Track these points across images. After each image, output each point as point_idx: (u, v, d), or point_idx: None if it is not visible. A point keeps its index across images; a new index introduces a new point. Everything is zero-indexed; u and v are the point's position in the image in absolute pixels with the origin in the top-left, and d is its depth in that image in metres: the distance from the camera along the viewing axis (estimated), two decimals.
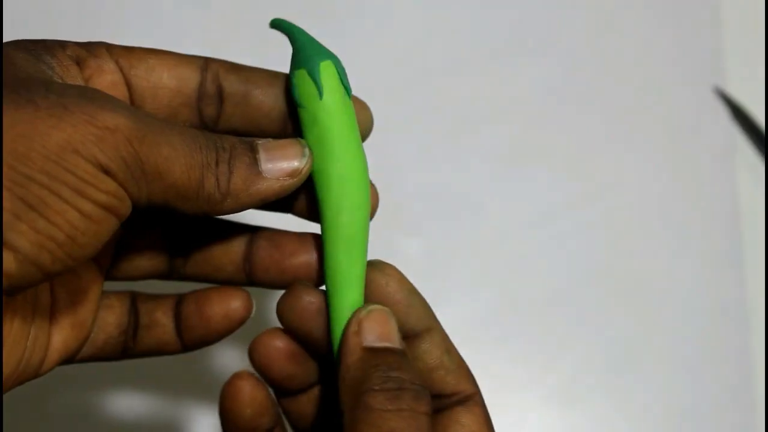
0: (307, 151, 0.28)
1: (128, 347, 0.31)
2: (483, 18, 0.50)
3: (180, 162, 0.25)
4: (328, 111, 0.28)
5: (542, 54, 0.50)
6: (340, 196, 0.28)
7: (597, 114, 0.49)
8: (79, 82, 0.26)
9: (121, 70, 0.27)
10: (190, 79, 0.28)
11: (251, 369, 0.31)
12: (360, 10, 0.50)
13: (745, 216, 0.48)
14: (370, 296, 0.29)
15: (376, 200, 0.31)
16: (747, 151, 0.49)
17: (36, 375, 0.27)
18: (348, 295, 0.28)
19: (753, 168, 0.49)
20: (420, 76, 0.49)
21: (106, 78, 0.27)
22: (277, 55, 0.31)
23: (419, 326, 0.28)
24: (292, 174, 0.27)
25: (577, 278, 0.47)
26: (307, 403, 0.31)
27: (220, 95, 0.29)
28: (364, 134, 0.30)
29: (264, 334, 0.30)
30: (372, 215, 0.30)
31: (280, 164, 0.27)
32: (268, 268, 0.31)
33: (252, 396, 0.31)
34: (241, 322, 0.31)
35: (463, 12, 0.51)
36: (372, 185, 0.30)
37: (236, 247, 0.31)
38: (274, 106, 0.29)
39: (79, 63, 0.27)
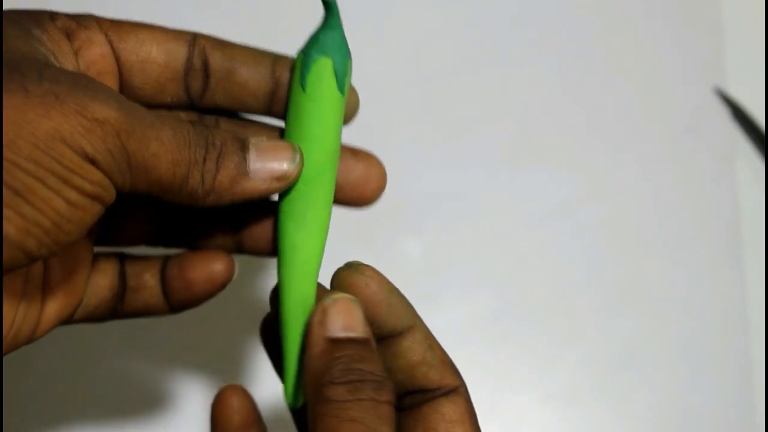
0: (298, 156, 0.28)
1: (116, 309, 0.31)
2: (483, 18, 0.51)
3: (167, 158, 0.25)
4: (339, 108, 0.28)
5: (542, 54, 0.50)
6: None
7: (597, 114, 0.49)
8: (70, 56, 0.26)
9: (111, 43, 0.27)
10: (178, 53, 0.28)
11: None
12: (359, 10, 0.50)
13: (745, 216, 0.48)
14: None
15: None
16: (747, 151, 0.49)
17: (29, 341, 0.28)
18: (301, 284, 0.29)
19: (753, 168, 0.49)
20: (420, 76, 0.49)
21: (96, 50, 0.27)
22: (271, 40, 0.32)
23: (401, 325, 0.28)
24: (281, 177, 0.27)
25: (576, 278, 0.47)
26: None
27: (206, 70, 0.29)
28: (350, 117, 0.31)
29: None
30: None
31: (270, 165, 0.27)
32: (258, 238, 0.31)
33: (241, 405, 0.33)
34: (223, 285, 0.31)
35: (463, 12, 0.51)
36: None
37: (228, 217, 0.31)
38: (259, 85, 0.29)
39: (69, 35, 0.27)
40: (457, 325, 0.46)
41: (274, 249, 0.31)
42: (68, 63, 0.26)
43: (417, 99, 0.49)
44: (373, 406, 0.25)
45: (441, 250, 0.47)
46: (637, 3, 0.51)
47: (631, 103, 0.50)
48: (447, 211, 0.47)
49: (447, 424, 0.27)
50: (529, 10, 0.51)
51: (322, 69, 0.28)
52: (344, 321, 0.27)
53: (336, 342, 0.26)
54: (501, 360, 0.46)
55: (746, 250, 0.48)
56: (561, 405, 0.45)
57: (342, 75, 0.28)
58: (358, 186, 0.31)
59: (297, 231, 0.29)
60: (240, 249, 0.32)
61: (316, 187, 0.29)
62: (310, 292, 0.29)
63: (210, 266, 0.31)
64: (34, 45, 0.25)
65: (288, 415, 0.34)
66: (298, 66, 0.28)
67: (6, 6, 0.28)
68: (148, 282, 0.31)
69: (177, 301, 0.31)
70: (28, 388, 0.43)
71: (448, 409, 0.28)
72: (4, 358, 0.27)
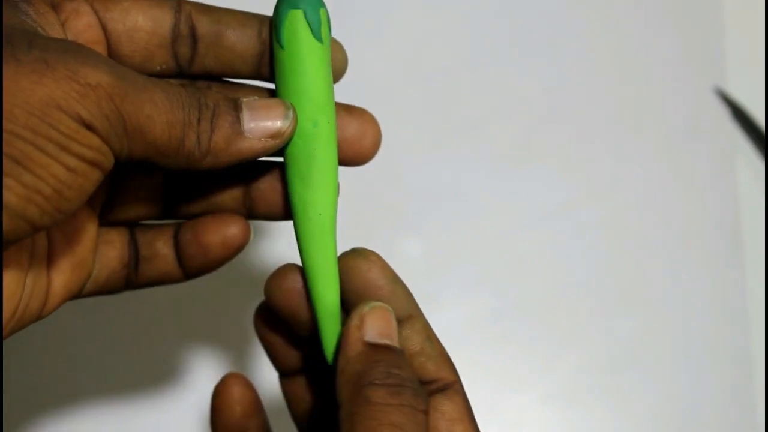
0: (291, 113, 0.28)
1: (131, 280, 0.31)
2: (483, 18, 0.51)
3: (161, 120, 0.25)
4: (320, 57, 0.28)
5: (542, 54, 0.50)
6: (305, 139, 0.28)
7: (597, 114, 0.49)
8: (57, 27, 0.26)
9: (96, 13, 0.27)
10: (164, 20, 0.28)
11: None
12: (359, 11, 0.50)
13: (745, 216, 0.48)
14: (352, 283, 0.29)
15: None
16: (747, 151, 0.49)
17: (39, 318, 0.28)
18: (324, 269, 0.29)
19: (753, 168, 0.49)
20: (420, 76, 0.49)
21: (82, 20, 0.27)
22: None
23: (401, 313, 0.28)
24: (275, 135, 0.27)
25: (577, 278, 0.47)
26: (304, 386, 0.32)
27: (194, 36, 0.29)
28: (339, 74, 0.30)
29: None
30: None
31: (264, 124, 0.27)
32: (270, 201, 0.31)
33: (242, 395, 0.32)
34: (239, 248, 0.31)
35: (463, 12, 0.51)
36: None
37: (236, 183, 0.31)
38: (247, 47, 0.29)
39: (55, 7, 0.27)
40: (457, 325, 0.46)
41: (286, 212, 0.31)
42: (56, 34, 0.26)
43: (417, 99, 0.49)
44: (413, 413, 0.25)
45: (441, 250, 0.47)
46: (637, 3, 0.51)
47: (631, 104, 0.50)
48: (447, 211, 0.47)
49: (447, 423, 0.27)
50: (528, 10, 0.51)
51: (295, 21, 0.28)
52: (381, 328, 0.27)
53: (373, 346, 0.26)
54: (501, 360, 0.46)
55: (746, 250, 0.48)
56: (561, 405, 0.45)
57: (316, 24, 0.28)
58: (355, 143, 0.30)
59: (305, 188, 0.29)
60: (252, 215, 0.31)
61: (315, 140, 0.29)
62: (330, 248, 0.29)
63: (225, 230, 0.31)
64: (22, 18, 0.25)
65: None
66: (274, 24, 0.28)
67: None
68: (161, 250, 0.31)
69: (192, 268, 0.31)
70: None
71: (447, 407, 0.28)
72: (13, 335, 0.27)
